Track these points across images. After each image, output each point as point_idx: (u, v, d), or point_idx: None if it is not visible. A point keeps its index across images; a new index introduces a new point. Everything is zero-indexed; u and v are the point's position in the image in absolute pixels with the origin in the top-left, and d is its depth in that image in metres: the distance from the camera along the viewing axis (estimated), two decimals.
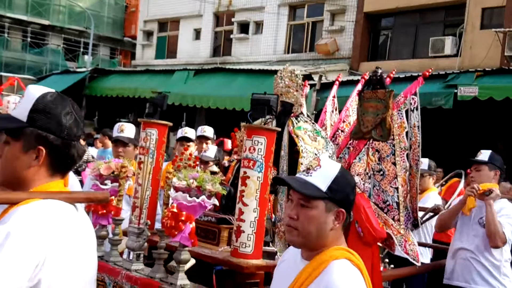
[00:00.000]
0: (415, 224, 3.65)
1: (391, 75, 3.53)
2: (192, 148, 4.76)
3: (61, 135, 1.62)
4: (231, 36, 19.32)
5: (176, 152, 4.77)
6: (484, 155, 4.45)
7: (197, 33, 20.89)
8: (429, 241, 6.04)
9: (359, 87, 3.87)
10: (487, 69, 11.64)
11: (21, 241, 1.43)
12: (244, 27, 19.14)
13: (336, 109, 3.98)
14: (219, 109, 15.18)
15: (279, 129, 2.74)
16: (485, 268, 4.19)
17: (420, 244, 5.55)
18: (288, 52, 17.69)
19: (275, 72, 3.32)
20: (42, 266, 1.46)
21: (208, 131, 6.15)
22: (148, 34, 23.33)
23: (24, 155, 1.60)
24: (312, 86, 11.68)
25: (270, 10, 17.92)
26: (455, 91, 11.21)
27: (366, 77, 4.06)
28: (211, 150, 4.83)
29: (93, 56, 26.71)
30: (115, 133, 4.16)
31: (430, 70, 3.59)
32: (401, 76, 11.93)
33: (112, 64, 28.14)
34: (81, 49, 28.22)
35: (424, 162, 6.10)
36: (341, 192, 1.87)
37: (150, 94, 16.86)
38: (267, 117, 3.00)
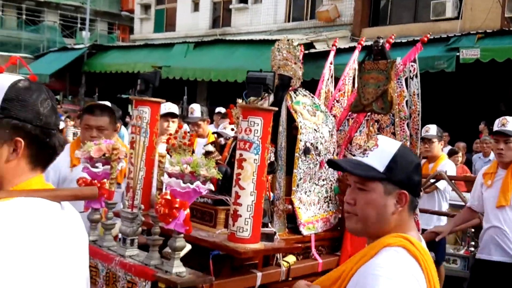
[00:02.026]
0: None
1: (390, 40, 3.39)
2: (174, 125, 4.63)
3: (40, 124, 1.49)
4: (230, 6, 19.03)
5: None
6: None
7: (196, 5, 20.57)
8: (445, 207, 6.00)
9: (355, 55, 3.73)
10: (488, 30, 11.54)
11: None
12: None
13: (332, 76, 3.84)
14: (220, 82, 15.02)
15: (276, 109, 2.61)
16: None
17: (433, 212, 5.53)
18: (288, 21, 17.41)
19: (276, 41, 3.18)
20: (10, 267, 1.31)
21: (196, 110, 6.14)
22: (146, 7, 23.03)
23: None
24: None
25: None
26: (457, 54, 11.18)
27: (363, 43, 3.91)
28: (229, 128, 4.77)
29: (90, 31, 26.46)
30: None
31: (429, 35, 3.45)
32: (402, 41, 11.78)
33: (111, 39, 27.90)
34: (78, 25, 28.01)
35: (432, 128, 6.07)
36: (402, 172, 1.70)
37: (150, 69, 16.74)
38: (264, 94, 2.88)
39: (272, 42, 3.24)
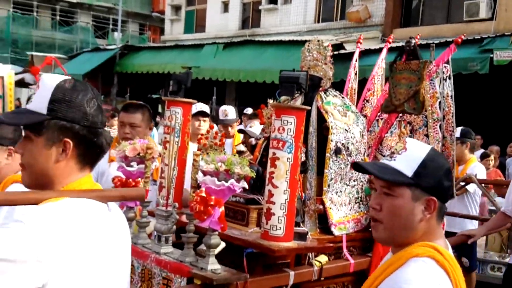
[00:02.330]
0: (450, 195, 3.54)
1: (416, 41, 3.39)
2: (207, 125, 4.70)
3: (87, 123, 1.52)
4: (260, 7, 19.05)
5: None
6: None
7: (225, 6, 20.67)
8: (475, 211, 5.90)
9: (384, 53, 3.72)
10: None
11: (30, 230, 1.34)
12: None
13: (356, 74, 3.83)
14: (249, 82, 15.06)
15: (309, 108, 2.63)
16: None
17: (462, 216, 5.43)
18: (318, 22, 17.34)
19: (305, 42, 3.20)
20: (49, 264, 1.35)
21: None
22: (176, 9, 23.23)
23: (49, 150, 1.50)
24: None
25: None
26: (491, 55, 10.96)
27: (391, 41, 3.90)
28: (256, 127, 4.78)
29: (122, 32, 26.81)
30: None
31: (463, 37, 3.41)
32: (435, 42, 11.64)
33: (142, 40, 28.24)
34: (110, 26, 28.39)
35: (458, 131, 5.95)
36: (431, 178, 1.63)
37: (180, 69, 16.90)
38: (295, 94, 2.90)
39: (302, 43, 3.26)
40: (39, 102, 1.51)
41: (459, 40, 3.31)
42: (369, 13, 15.50)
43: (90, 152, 1.56)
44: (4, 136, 2.64)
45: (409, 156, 1.65)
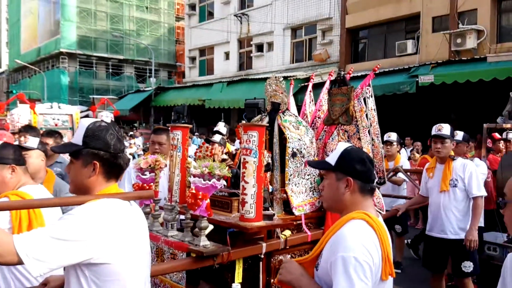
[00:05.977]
0: (381, 182, 3.48)
1: (350, 72, 3.34)
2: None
3: (109, 150, 1.60)
4: (251, 54, 19.11)
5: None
6: (446, 129, 3.91)
7: (227, 55, 20.74)
8: (404, 193, 5.72)
9: (327, 84, 3.70)
10: (439, 61, 11.39)
11: (78, 220, 1.42)
12: (260, 47, 18.90)
13: (312, 101, 3.80)
14: None
15: (267, 125, 2.59)
16: (456, 218, 3.76)
17: (396, 196, 5.27)
18: (293, 62, 17.39)
19: (285, 78, 3.16)
20: (94, 243, 1.41)
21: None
22: (193, 59, 23.30)
23: (84, 169, 1.59)
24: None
25: (277, 33, 17.63)
26: (417, 79, 10.96)
27: (333, 75, 3.88)
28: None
29: (156, 78, 26.87)
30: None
31: (378, 66, 3.36)
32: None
33: (170, 82, 28.32)
34: (147, 74, 28.47)
35: (393, 135, 5.84)
36: (347, 164, 1.73)
37: (197, 102, 16.90)
38: (262, 115, 2.86)
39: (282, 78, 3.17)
40: (77, 136, 1.62)
41: (376, 69, 3.28)
42: (328, 54, 15.56)
43: (112, 170, 1.63)
44: (7, 156, 2.29)
45: (334, 152, 1.80)
